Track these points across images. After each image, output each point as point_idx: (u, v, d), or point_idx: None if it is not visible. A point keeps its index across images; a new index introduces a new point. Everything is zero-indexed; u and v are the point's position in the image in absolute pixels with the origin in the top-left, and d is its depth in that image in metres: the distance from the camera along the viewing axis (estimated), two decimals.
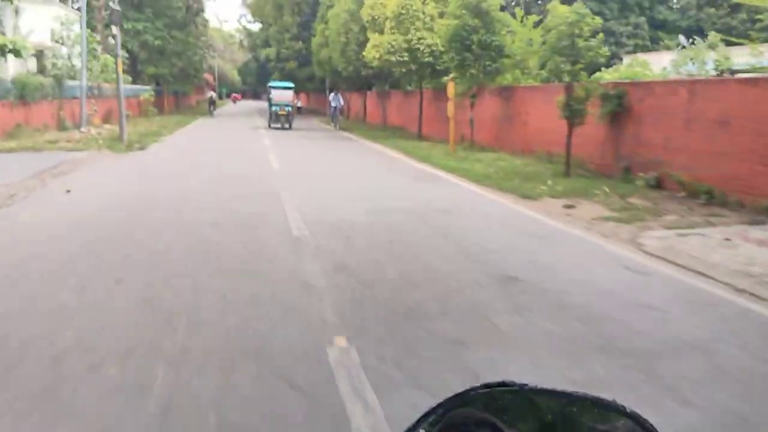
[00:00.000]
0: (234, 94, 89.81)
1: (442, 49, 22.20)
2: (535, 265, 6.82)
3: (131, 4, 36.95)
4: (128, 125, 22.61)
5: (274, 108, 30.86)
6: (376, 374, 3.94)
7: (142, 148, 19.95)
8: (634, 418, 0.81)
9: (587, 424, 0.83)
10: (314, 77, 46.07)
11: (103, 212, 9.32)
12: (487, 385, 0.88)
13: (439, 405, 0.87)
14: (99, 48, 29.76)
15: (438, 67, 23.91)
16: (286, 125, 30.49)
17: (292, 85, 34.66)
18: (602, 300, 5.63)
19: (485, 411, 0.84)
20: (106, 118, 28.43)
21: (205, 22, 52.87)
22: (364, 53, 26.44)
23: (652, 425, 0.80)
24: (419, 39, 23.65)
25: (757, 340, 4.85)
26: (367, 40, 26.60)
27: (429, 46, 23.55)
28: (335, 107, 33.03)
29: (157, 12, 39.15)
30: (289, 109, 30.78)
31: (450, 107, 20.41)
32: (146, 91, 36.57)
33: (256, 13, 53.84)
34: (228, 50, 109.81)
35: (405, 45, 23.78)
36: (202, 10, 51.03)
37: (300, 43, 46.35)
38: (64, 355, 4.17)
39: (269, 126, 31.32)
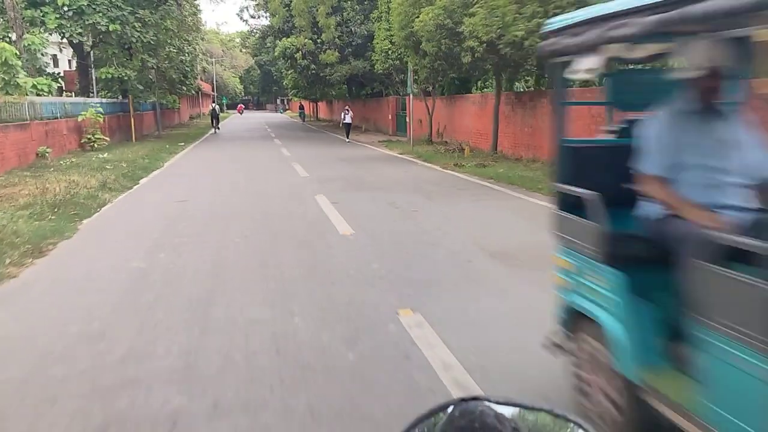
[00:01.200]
0: (240, 105, 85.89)
1: None
2: None
3: None
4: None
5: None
6: None
7: None
8: (585, 428, 0.86)
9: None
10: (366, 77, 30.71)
11: None
12: (462, 399, 0.89)
13: (418, 420, 0.89)
14: None
15: None
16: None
17: None
18: None
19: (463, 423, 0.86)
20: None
21: (195, 6, 37.41)
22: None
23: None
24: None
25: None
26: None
27: None
28: (348, 123, 27.55)
29: None
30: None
31: None
32: (90, 108, 20.92)
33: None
34: (227, 55, 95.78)
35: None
36: None
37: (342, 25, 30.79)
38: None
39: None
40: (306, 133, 35.32)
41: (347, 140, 25.61)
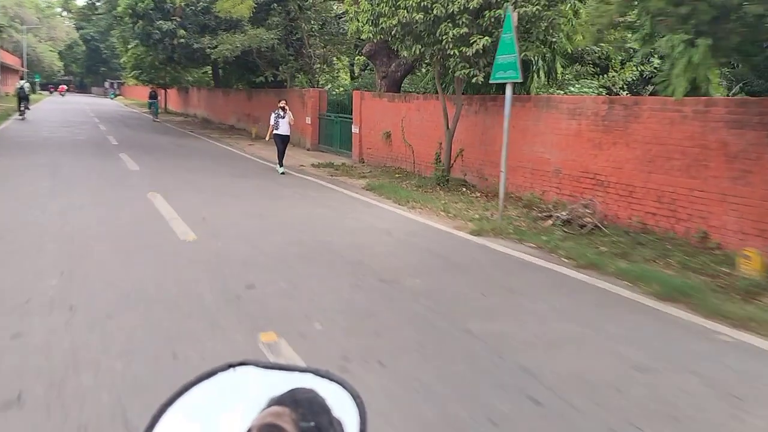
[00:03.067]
0: (61, 86, 73.20)
1: None
2: None
3: None
4: None
5: None
6: None
7: None
8: (342, 383, 0.88)
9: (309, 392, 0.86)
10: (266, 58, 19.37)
11: None
12: (230, 364, 0.88)
13: (190, 384, 0.85)
14: None
15: None
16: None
17: None
18: None
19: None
20: None
21: None
22: None
23: (355, 390, 0.86)
24: None
25: None
26: None
27: None
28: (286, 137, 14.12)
29: None
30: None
31: None
32: None
33: None
34: (44, 24, 79.66)
35: None
36: None
37: None
38: None
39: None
40: (173, 139, 22.80)
41: (280, 170, 13.69)
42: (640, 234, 7.93)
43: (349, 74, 29.64)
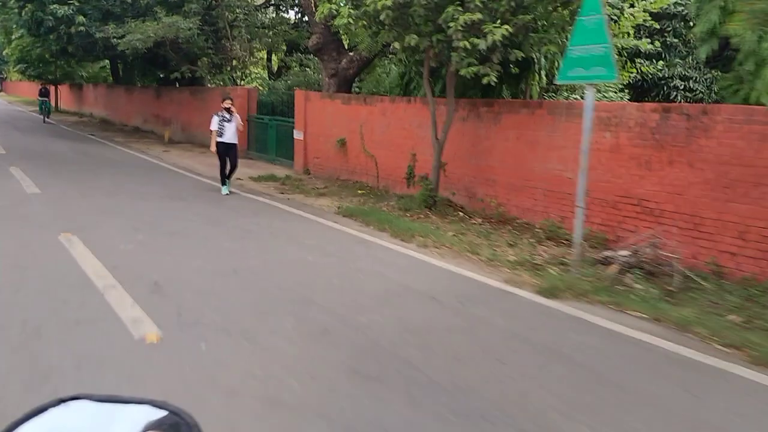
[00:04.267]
0: None
1: None
2: None
3: None
4: None
5: None
6: None
7: None
8: (178, 413, 0.89)
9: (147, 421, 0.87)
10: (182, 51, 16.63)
11: None
12: (61, 399, 0.86)
13: (18, 421, 0.82)
14: None
15: None
16: None
17: None
18: None
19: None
20: None
21: None
22: None
23: (193, 419, 0.88)
24: None
25: None
26: None
27: None
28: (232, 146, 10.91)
29: None
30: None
31: None
32: None
33: None
34: None
35: None
36: None
37: None
38: None
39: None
40: (73, 144, 19.31)
41: (225, 189, 10.76)
42: (723, 282, 6.17)
43: (266, 71, 26.83)
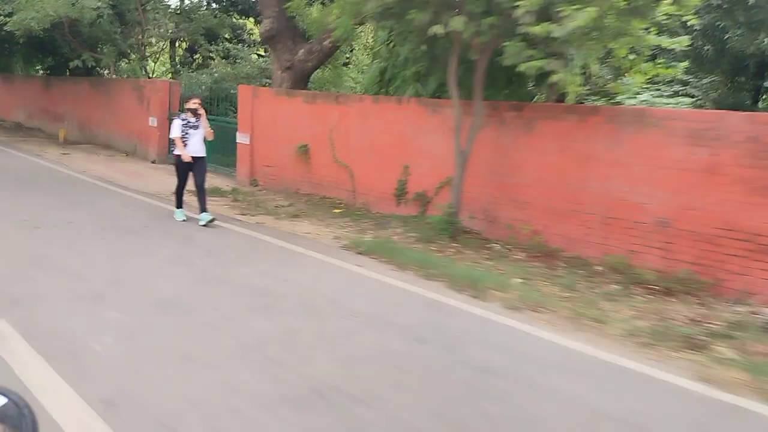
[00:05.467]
0: None
1: None
2: None
3: None
4: None
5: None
6: None
7: None
8: (6, 394, 0.99)
9: None
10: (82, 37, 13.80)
11: None
12: None
13: None
14: None
15: None
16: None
17: None
18: None
19: None
20: None
21: None
22: None
23: (24, 401, 0.98)
24: None
25: None
26: None
27: None
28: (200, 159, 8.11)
29: None
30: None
31: None
32: None
33: None
34: None
35: None
36: None
37: None
38: None
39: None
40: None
41: (181, 216, 8.12)
42: None
43: (169, 61, 23.65)
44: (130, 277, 5.39)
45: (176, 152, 8.06)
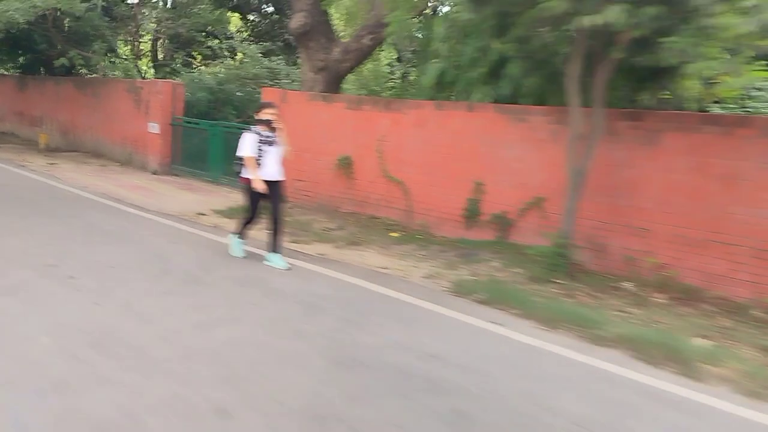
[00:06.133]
0: None
1: None
2: None
3: None
4: None
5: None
6: None
7: None
8: None
9: None
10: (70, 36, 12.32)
11: None
12: None
13: None
14: None
15: None
16: None
17: None
18: None
19: None
20: None
21: None
22: None
23: None
24: None
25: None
26: None
27: None
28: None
29: None
30: None
31: None
32: None
33: None
34: None
35: None
36: None
37: None
38: None
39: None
40: None
41: (239, 251, 6.67)
42: None
43: (150, 60, 21.84)
44: (241, 368, 3.80)
45: (246, 175, 6.45)
